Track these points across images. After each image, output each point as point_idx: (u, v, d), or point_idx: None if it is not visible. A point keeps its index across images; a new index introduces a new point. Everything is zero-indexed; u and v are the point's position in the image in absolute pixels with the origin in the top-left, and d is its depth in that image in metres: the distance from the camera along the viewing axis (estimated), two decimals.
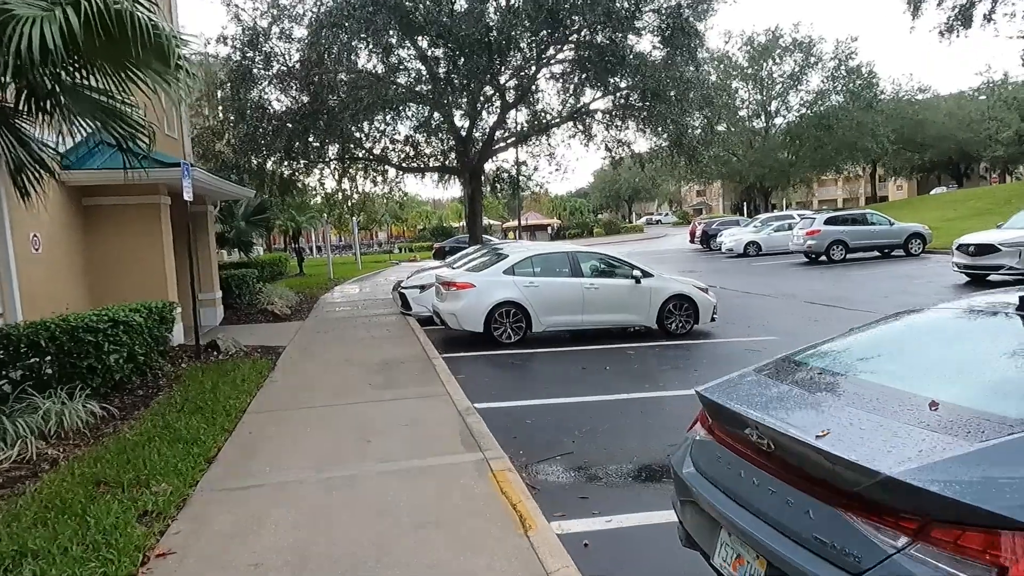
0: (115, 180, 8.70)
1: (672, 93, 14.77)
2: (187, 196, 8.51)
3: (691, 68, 15.72)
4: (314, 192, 33.04)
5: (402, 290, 13.57)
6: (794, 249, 25.35)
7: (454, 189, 77.38)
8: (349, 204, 37.37)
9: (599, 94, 17.42)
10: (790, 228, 30.57)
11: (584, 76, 15.73)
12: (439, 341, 11.05)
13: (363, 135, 20.69)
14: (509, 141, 20.95)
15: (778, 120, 45.51)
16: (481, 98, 18.47)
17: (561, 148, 20.94)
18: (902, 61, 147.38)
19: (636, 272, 10.98)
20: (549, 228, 66.70)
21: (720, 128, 41.79)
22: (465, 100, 18.71)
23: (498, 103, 21.03)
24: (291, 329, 12.15)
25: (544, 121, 20.16)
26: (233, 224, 17.33)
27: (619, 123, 18.12)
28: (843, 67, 41.31)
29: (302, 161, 20.90)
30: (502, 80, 17.65)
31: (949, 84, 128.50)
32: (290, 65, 18.10)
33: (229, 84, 16.86)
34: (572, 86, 17.28)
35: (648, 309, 10.95)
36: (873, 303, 13.73)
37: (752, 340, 10.52)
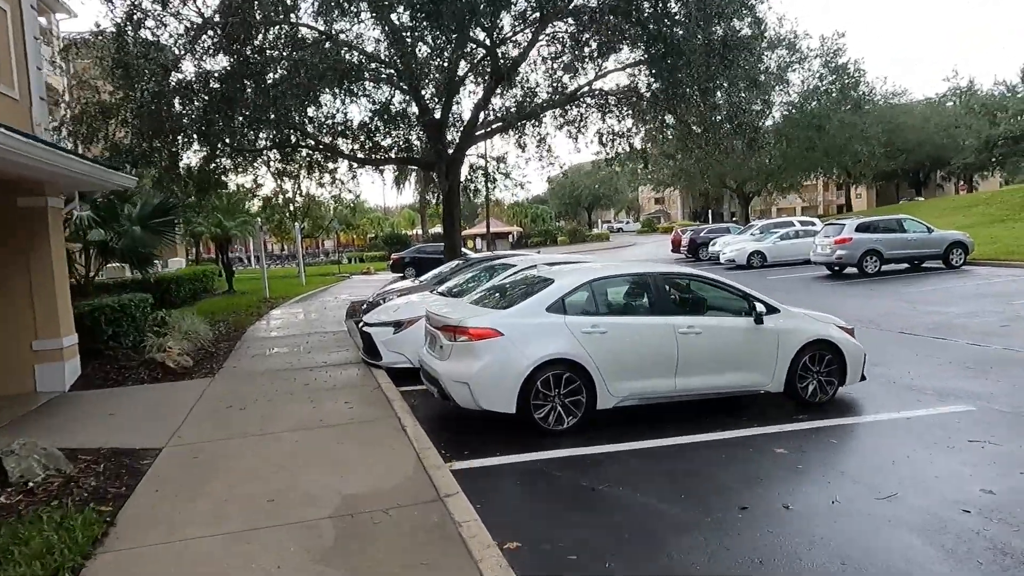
0: None
1: (741, 53, 10.76)
2: None
3: (749, 21, 11.79)
4: (249, 193, 28.04)
5: (367, 328, 8.99)
6: (817, 260, 21.78)
7: (407, 194, 72.40)
8: (292, 208, 32.18)
9: (626, 58, 13.31)
10: (796, 236, 27.39)
11: (613, 31, 11.52)
12: (435, 423, 6.59)
13: (305, 118, 15.96)
14: (495, 127, 16.60)
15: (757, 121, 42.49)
16: (464, 65, 14.04)
17: (550, 138, 17.51)
18: (875, 64, 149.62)
19: (758, 305, 6.79)
20: (510, 236, 62.59)
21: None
22: (442, 69, 14.25)
23: (480, 77, 16.73)
24: (185, 399, 7.42)
25: (542, 100, 15.91)
26: (121, 229, 12.35)
27: (643, 100, 14.08)
28: (830, 65, 38.52)
29: (227, 150, 16.16)
30: (495, 37, 13.29)
31: (919, 89, 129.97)
32: (204, 15, 13.29)
33: (114, 28, 11.98)
34: (588, 48, 13.04)
35: (774, 364, 6.76)
36: (1005, 336, 10.09)
37: (944, 414, 6.52)
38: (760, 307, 6.75)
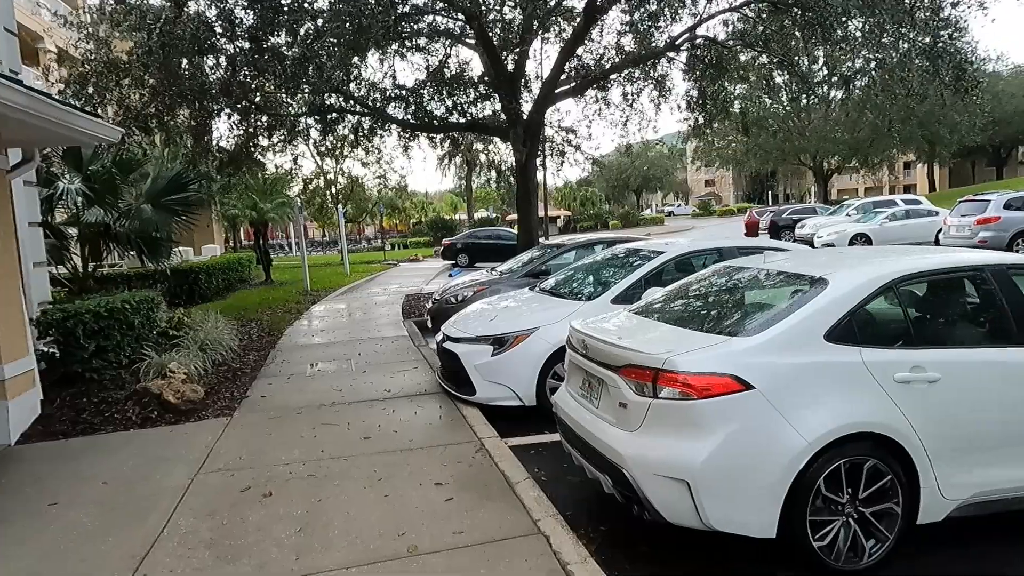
0: None
1: None
2: None
3: None
4: (287, 174, 25.59)
5: (450, 345, 6.14)
6: (951, 243, 18.27)
7: (448, 179, 69.57)
8: (333, 190, 29.61)
9: None
10: (906, 216, 23.70)
11: None
12: (598, 532, 3.69)
13: (348, 78, 13.17)
14: (578, 83, 13.53)
15: (837, 92, 38.20)
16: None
17: (635, 99, 14.53)
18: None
19: None
20: (558, 220, 59.36)
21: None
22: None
23: (556, 26, 13.77)
24: (179, 469, 4.68)
25: (632, 50, 12.84)
26: (124, 207, 9.77)
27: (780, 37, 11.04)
28: (931, 23, 34.10)
29: (261, 120, 13.66)
30: None
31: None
32: None
33: None
34: None
35: None
36: None
37: None
38: None
